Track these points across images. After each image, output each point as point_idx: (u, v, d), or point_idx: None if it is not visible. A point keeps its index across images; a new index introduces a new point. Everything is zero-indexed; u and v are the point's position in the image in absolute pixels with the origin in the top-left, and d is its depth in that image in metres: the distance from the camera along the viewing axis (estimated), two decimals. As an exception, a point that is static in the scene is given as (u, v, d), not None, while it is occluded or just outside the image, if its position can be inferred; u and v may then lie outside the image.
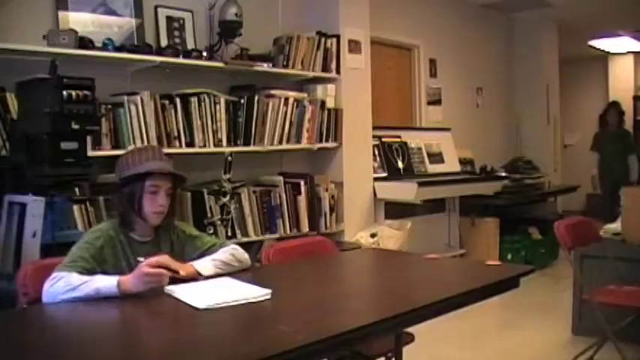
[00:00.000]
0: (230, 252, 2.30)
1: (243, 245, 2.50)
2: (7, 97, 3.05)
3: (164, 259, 2.04)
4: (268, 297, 1.93)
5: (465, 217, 6.05)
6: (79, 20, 3.47)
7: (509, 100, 7.54)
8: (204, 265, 2.20)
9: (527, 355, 3.88)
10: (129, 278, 1.95)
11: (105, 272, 2.01)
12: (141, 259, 2.02)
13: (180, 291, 1.98)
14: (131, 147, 3.39)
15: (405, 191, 4.93)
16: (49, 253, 2.52)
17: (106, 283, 1.92)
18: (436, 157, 5.82)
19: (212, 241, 2.36)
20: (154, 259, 2.00)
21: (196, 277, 2.15)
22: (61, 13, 3.42)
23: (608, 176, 7.01)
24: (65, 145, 2.73)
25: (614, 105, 7.34)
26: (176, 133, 3.67)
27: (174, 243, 2.29)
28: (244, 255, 2.35)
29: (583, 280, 3.59)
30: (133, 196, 2.16)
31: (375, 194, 4.98)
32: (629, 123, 10.08)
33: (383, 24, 5.35)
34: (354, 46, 4.78)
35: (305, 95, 4.44)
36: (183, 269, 2.10)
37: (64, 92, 2.68)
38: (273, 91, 4.21)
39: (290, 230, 4.24)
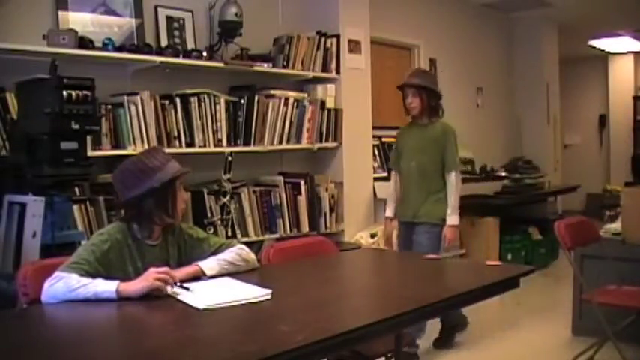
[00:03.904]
0: (236, 251, 2.30)
1: (243, 245, 2.50)
2: (7, 97, 3.05)
3: (171, 271, 2.04)
4: (268, 297, 1.93)
5: (464, 217, 6.04)
6: (79, 20, 3.47)
7: (509, 100, 7.54)
8: (209, 264, 2.20)
9: (527, 355, 3.87)
10: (131, 284, 1.94)
11: (110, 276, 2.00)
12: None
13: (180, 291, 1.98)
14: (131, 147, 3.40)
15: (405, 191, 4.89)
16: (49, 253, 2.53)
17: (105, 287, 1.92)
18: (436, 157, 5.81)
19: (219, 242, 2.37)
20: (162, 269, 2.01)
21: (200, 275, 2.15)
22: (61, 13, 3.42)
23: (404, 211, 3.87)
24: (65, 145, 2.73)
25: (415, 80, 3.84)
26: (176, 133, 3.67)
27: (181, 246, 2.29)
28: (250, 255, 2.36)
29: (583, 280, 3.59)
30: (166, 198, 2.17)
31: (375, 194, 4.98)
32: (619, 121, 10.13)
33: (383, 24, 5.35)
34: (354, 46, 4.78)
35: (305, 95, 4.44)
36: (186, 274, 2.12)
37: (64, 92, 2.68)
38: (273, 91, 4.21)
39: (290, 230, 4.24)
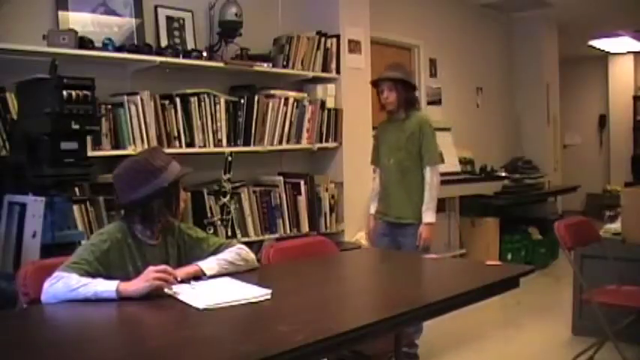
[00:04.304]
0: (235, 251, 2.31)
1: (243, 245, 2.50)
2: (7, 97, 3.05)
3: (170, 269, 2.05)
4: (268, 297, 1.93)
5: (465, 217, 6.05)
6: (79, 20, 3.47)
7: (509, 100, 7.54)
8: (209, 264, 2.20)
9: (527, 355, 3.88)
10: (131, 283, 1.95)
11: (110, 276, 2.00)
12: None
13: (180, 291, 1.98)
14: (131, 147, 3.40)
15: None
16: (49, 253, 2.52)
17: (105, 287, 1.92)
18: (436, 157, 5.81)
19: (219, 242, 2.37)
20: (160, 267, 2.02)
21: (200, 275, 2.15)
22: (61, 13, 3.42)
23: (387, 210, 3.81)
24: (65, 145, 2.73)
25: (390, 73, 3.72)
26: (176, 133, 3.67)
27: (181, 246, 2.29)
28: (250, 255, 2.36)
29: (583, 280, 3.59)
30: (172, 198, 2.21)
31: (375, 194, 4.97)
32: (619, 121, 10.13)
33: (383, 24, 5.35)
34: (354, 46, 4.77)
35: (305, 95, 4.44)
36: (186, 275, 2.12)
37: (64, 92, 2.68)
38: (273, 91, 4.21)
39: (290, 230, 4.24)
